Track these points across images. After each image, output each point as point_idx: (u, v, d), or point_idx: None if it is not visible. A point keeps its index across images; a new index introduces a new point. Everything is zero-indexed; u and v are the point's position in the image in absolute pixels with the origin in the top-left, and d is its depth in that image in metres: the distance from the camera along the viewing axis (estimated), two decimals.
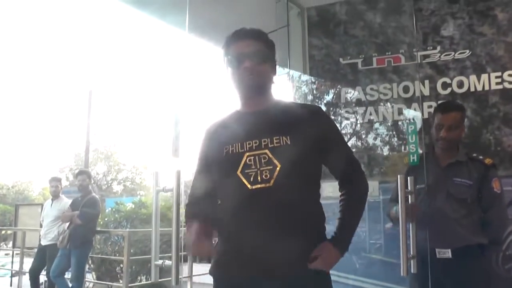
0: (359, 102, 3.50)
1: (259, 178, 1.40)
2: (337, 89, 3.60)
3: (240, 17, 3.26)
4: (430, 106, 3.25)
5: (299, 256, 1.40)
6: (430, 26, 3.38)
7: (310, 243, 1.44)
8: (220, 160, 1.48)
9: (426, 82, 3.34)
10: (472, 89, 3.24)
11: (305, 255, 1.42)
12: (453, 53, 3.32)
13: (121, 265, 7.98)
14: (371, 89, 3.47)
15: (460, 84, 3.27)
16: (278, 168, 1.40)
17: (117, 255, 8.40)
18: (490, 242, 2.39)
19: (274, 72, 1.59)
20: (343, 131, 3.44)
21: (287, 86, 3.53)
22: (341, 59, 3.54)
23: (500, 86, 3.19)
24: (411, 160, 2.63)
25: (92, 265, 8.35)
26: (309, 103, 3.55)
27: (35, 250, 6.36)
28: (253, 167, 1.41)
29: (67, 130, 47.25)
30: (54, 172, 25.14)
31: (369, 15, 3.48)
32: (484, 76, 3.22)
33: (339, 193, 1.56)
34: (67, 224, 5.40)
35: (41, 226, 6.11)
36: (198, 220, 1.48)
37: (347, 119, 3.53)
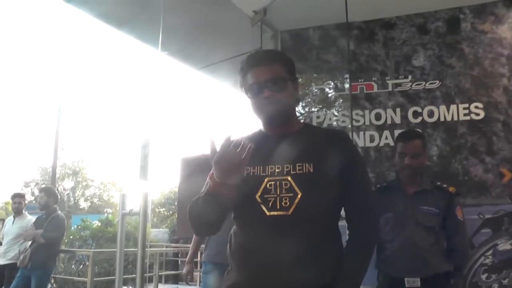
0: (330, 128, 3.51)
1: (278, 205, 1.35)
2: (309, 114, 3.62)
3: (215, 38, 3.26)
4: None
5: None
6: (402, 55, 3.47)
7: (323, 280, 1.34)
8: (242, 181, 1.38)
9: (398, 110, 3.40)
10: (442, 119, 3.32)
11: None
12: (424, 83, 3.40)
13: (85, 286, 7.72)
14: (343, 115, 3.50)
15: (431, 114, 3.34)
16: (299, 196, 1.34)
17: (82, 274, 8.13)
18: (455, 269, 2.42)
19: (297, 93, 1.54)
20: None
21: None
22: (313, 84, 3.57)
23: (467, 117, 3.28)
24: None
25: (54, 285, 8.04)
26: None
27: None
28: (272, 192, 1.36)
29: (34, 144, 46.07)
30: (18, 186, 24.36)
31: (342, 41, 3.54)
32: (453, 107, 3.31)
33: (348, 233, 1.46)
34: (29, 242, 5.19)
35: (0, 244, 5.85)
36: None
37: None
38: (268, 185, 1.37)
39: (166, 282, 10.93)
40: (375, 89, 3.46)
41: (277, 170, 1.39)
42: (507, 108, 3.25)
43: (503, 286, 3.00)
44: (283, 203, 1.34)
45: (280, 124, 1.47)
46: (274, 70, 1.44)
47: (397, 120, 3.39)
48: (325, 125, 3.53)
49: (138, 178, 2.33)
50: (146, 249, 2.16)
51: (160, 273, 8.05)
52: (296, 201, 1.33)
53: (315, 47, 3.63)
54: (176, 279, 11.31)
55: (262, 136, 1.52)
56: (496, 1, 3.37)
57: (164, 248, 11.30)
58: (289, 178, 1.37)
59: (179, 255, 11.65)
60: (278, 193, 1.35)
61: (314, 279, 1.32)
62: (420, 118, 3.35)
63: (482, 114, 3.26)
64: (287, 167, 1.39)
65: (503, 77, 3.29)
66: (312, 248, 1.33)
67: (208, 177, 1.35)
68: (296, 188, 1.35)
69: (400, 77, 3.44)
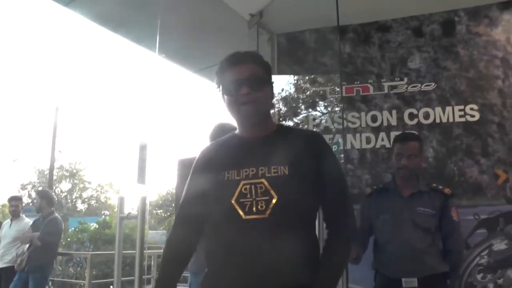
0: (327, 130, 3.54)
1: (254, 208, 1.33)
2: (305, 116, 3.63)
3: (211, 41, 3.27)
4: None
5: None
6: (398, 57, 3.49)
7: (301, 281, 1.33)
8: (216, 186, 1.40)
9: (394, 112, 3.42)
10: (438, 121, 3.34)
11: None
12: (419, 85, 3.42)
13: None
14: (339, 117, 3.52)
15: (426, 115, 3.36)
16: (274, 200, 1.33)
17: (80, 277, 8.11)
18: (451, 269, 2.44)
19: (272, 96, 1.52)
20: None
21: None
22: (309, 86, 3.59)
23: (463, 119, 3.30)
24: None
25: None
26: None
27: None
28: (248, 196, 1.34)
29: (31, 146, 45.90)
30: (15, 189, 24.26)
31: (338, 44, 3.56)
32: (449, 109, 3.33)
33: (326, 232, 1.46)
34: (27, 245, 5.17)
35: None
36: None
37: None
38: (243, 189, 1.36)
39: None
40: (371, 91, 3.48)
41: (251, 173, 1.37)
42: (501, 110, 3.28)
43: (498, 286, 3.03)
44: (259, 207, 1.33)
45: (256, 123, 1.46)
46: (253, 69, 1.44)
47: (393, 122, 3.41)
48: (321, 127, 3.57)
49: (135, 182, 2.34)
50: (144, 251, 2.17)
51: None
52: (272, 204, 1.33)
53: (311, 50, 3.66)
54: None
55: (237, 139, 1.51)
56: (490, 4, 3.40)
57: (162, 250, 11.29)
58: (264, 181, 1.36)
59: None
60: (254, 197, 1.34)
61: (293, 281, 1.31)
62: (416, 120, 3.37)
63: (477, 116, 3.28)
64: (261, 170, 1.38)
65: (498, 79, 3.32)
66: (289, 251, 1.32)
67: None
68: (271, 191, 1.34)
69: (395, 79, 3.46)
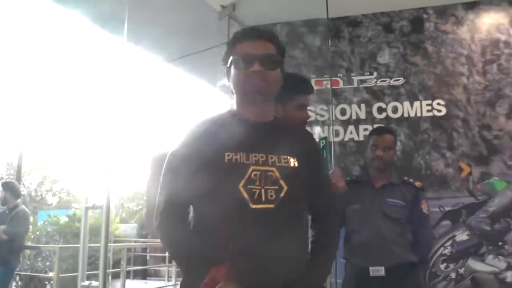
0: None
1: (263, 197, 1.24)
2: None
3: (181, 31, 3.24)
4: (365, 129, 3.38)
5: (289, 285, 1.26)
6: (367, 52, 3.55)
7: (296, 275, 1.29)
8: (220, 166, 1.26)
9: (363, 106, 3.49)
10: (406, 115, 3.42)
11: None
12: (388, 79, 3.49)
13: (52, 282, 7.56)
14: (309, 110, 3.53)
15: (395, 110, 3.44)
16: (284, 190, 1.27)
17: (49, 271, 7.95)
18: (419, 260, 2.50)
19: (281, 81, 1.40)
20: None
21: (224, 100, 3.54)
22: None
23: (430, 114, 3.39)
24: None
25: (19, 283, 7.85)
26: None
27: None
28: (257, 183, 1.25)
29: None
30: None
31: (309, 38, 3.58)
32: (417, 104, 3.42)
33: (311, 231, 1.45)
34: None
35: None
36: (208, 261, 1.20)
37: None
38: (253, 175, 1.26)
39: (134, 277, 10.83)
40: (341, 85, 3.54)
41: (261, 160, 1.28)
42: (466, 105, 3.38)
43: (459, 274, 3.14)
44: (268, 196, 1.25)
45: (261, 105, 1.35)
46: (268, 47, 1.35)
47: (362, 115, 3.47)
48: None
49: (101, 172, 2.31)
50: (110, 244, 2.13)
51: (128, 269, 7.95)
52: (282, 195, 1.26)
53: (283, 43, 3.65)
54: (144, 274, 11.22)
55: (236, 120, 1.37)
56: (456, 3, 3.49)
57: (133, 243, 11.18)
58: (274, 170, 1.28)
59: (148, 250, 11.55)
60: (262, 184, 1.25)
61: (292, 273, 1.27)
62: (384, 114, 3.44)
63: (443, 111, 3.37)
64: (271, 158, 1.30)
65: (463, 76, 3.42)
66: (293, 243, 1.29)
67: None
68: (281, 181, 1.27)
69: (365, 73, 3.53)
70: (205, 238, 1.25)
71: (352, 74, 3.55)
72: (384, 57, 3.53)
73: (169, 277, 9.13)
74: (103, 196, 2.17)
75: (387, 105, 3.46)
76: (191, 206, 1.33)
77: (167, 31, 3.23)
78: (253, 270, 1.21)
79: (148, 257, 11.97)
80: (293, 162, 1.32)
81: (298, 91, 1.92)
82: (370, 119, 3.44)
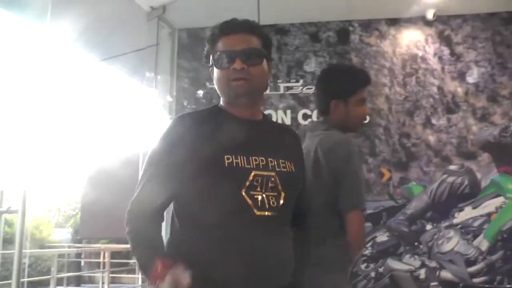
0: None
1: (266, 204, 1.17)
2: None
3: (108, 30, 3.17)
4: None
5: None
6: (294, 60, 3.67)
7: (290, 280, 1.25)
8: (219, 170, 1.17)
9: (288, 112, 3.60)
10: None
11: None
12: (314, 87, 3.61)
13: None
14: None
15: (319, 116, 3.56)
16: (282, 196, 1.21)
17: None
18: None
19: (269, 75, 1.32)
20: None
21: (153, 104, 3.52)
22: (207, 83, 3.65)
23: None
24: None
25: None
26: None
27: None
28: (258, 189, 1.18)
29: None
30: None
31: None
32: None
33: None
34: None
35: None
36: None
37: None
38: (255, 181, 1.18)
39: (68, 284, 10.39)
40: (267, 91, 3.60)
41: (262, 164, 1.20)
42: (388, 114, 3.57)
43: (379, 273, 3.31)
44: (271, 203, 1.18)
45: (248, 104, 1.27)
46: (250, 41, 1.25)
47: (288, 121, 3.59)
48: None
49: (18, 174, 2.23)
50: (25, 250, 2.03)
51: (59, 276, 7.61)
52: (281, 201, 1.20)
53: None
54: (78, 281, 10.81)
55: (228, 117, 1.27)
56: (380, 19, 3.70)
57: (66, 249, 10.74)
58: (274, 175, 1.21)
59: (82, 256, 11.15)
60: (263, 190, 1.19)
61: (287, 279, 1.24)
62: (309, 120, 3.56)
63: (367, 119, 3.53)
64: (271, 162, 1.22)
65: (385, 87, 3.62)
66: (290, 249, 1.25)
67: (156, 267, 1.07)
68: (280, 186, 1.21)
69: (291, 80, 3.64)
70: (196, 239, 1.17)
71: (278, 81, 3.65)
72: (311, 65, 3.66)
73: (103, 283, 8.86)
74: (19, 200, 2.09)
75: (312, 111, 3.58)
76: (174, 203, 1.25)
77: (96, 28, 3.15)
78: (254, 276, 1.15)
79: (82, 263, 11.55)
80: (290, 167, 1.25)
81: (359, 84, 1.79)
82: (295, 125, 3.55)
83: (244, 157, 1.19)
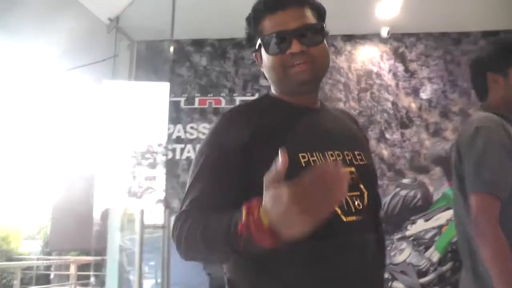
0: (179, 140, 3.66)
1: (352, 207, 0.96)
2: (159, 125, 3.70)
3: (68, 42, 3.18)
4: None
5: None
6: (251, 74, 3.74)
7: None
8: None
9: None
10: None
11: None
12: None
13: None
14: (191, 127, 3.65)
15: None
16: (365, 195, 0.99)
17: None
18: None
19: (328, 52, 1.08)
20: (160, 168, 3.50)
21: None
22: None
23: None
24: None
25: None
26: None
27: None
28: None
29: None
30: None
31: (196, 57, 3.69)
32: None
33: None
34: None
35: None
36: None
37: (166, 155, 3.60)
38: None
39: None
40: (223, 104, 3.67)
41: (338, 159, 0.99)
42: None
43: None
44: (356, 205, 0.96)
45: (310, 93, 1.07)
46: (304, 15, 1.02)
47: None
48: (173, 136, 3.66)
49: None
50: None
51: None
52: (365, 202, 0.99)
53: (169, 60, 3.77)
54: None
55: (288, 107, 1.05)
56: (336, 35, 3.79)
57: (33, 261, 10.50)
58: (354, 170, 0.99)
59: (52, 268, 10.91)
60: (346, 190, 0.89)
61: None
62: None
63: None
64: (347, 156, 1.01)
65: (340, 101, 3.71)
66: (383, 266, 1.08)
67: (245, 210, 0.78)
68: (361, 184, 1.00)
69: (247, 94, 3.70)
70: (271, 264, 0.92)
71: (234, 94, 3.70)
72: (266, 80, 3.71)
73: None
74: None
75: None
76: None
77: (59, 39, 3.16)
78: None
79: (52, 276, 11.29)
80: (366, 159, 1.04)
81: None
82: None
83: (320, 153, 0.97)
